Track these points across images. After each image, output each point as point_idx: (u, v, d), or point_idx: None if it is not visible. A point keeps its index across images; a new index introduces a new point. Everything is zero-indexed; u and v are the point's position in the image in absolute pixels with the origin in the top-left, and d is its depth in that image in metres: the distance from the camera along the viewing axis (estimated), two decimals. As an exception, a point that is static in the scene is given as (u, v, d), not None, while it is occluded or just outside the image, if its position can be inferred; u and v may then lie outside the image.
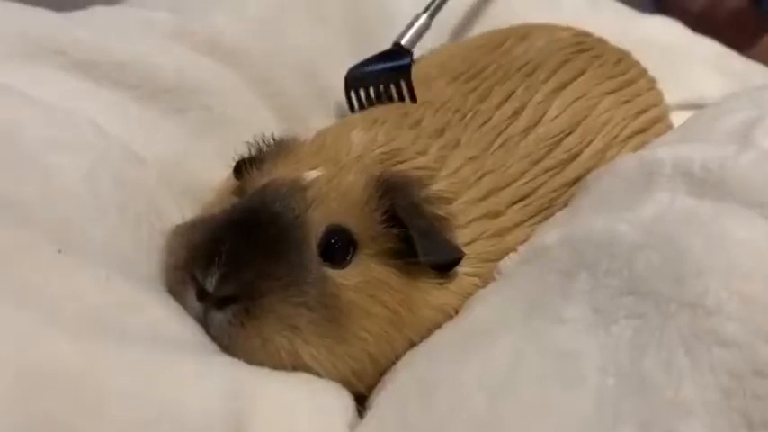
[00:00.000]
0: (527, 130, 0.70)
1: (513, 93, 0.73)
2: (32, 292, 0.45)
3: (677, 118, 0.84)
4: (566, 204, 0.69)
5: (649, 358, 0.47)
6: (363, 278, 0.57)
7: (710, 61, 1.09)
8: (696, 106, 0.92)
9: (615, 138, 0.75)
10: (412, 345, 0.59)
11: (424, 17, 0.84)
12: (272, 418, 0.49)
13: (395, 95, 0.77)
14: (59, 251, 0.48)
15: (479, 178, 0.65)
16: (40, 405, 0.39)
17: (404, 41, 0.81)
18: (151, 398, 0.43)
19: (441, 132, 0.68)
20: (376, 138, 0.66)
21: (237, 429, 0.46)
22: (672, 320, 0.48)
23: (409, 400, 0.53)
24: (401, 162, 0.64)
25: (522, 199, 0.67)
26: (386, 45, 0.92)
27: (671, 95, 0.89)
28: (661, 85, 0.87)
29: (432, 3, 0.85)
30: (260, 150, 0.65)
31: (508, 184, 0.67)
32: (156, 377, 0.44)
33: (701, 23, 1.20)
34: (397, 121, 0.69)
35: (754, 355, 0.44)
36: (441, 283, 0.60)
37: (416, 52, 0.83)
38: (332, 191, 0.59)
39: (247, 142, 0.66)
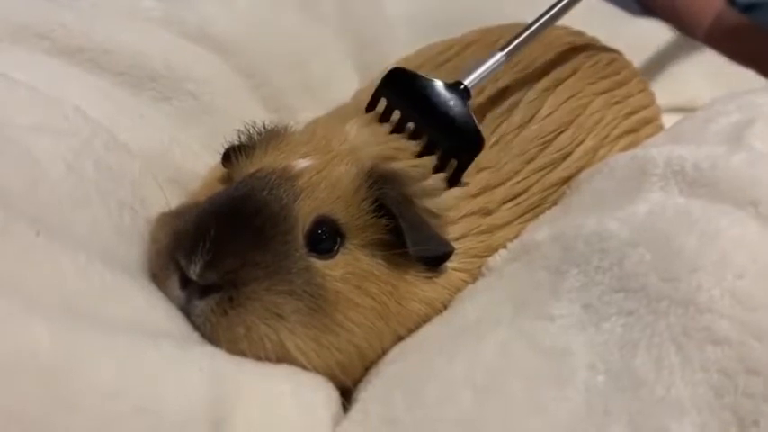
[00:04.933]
0: (521, 128, 0.69)
1: (507, 89, 0.72)
2: (10, 277, 0.44)
3: (667, 120, 0.84)
4: (556, 203, 0.69)
5: (640, 356, 0.47)
6: (350, 269, 0.56)
7: (700, 65, 1.09)
8: (686, 109, 0.92)
9: (606, 137, 0.75)
10: (399, 338, 0.58)
11: (499, 55, 0.70)
12: (254, 411, 0.47)
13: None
14: (37, 233, 0.47)
15: (476, 174, 0.65)
16: (14, 396, 0.38)
17: (467, 81, 0.67)
18: (128, 390, 0.42)
19: None
20: (374, 134, 0.65)
21: (218, 423, 0.45)
22: (663, 318, 0.47)
23: (396, 396, 0.52)
24: (398, 162, 0.63)
25: (514, 197, 0.66)
26: (380, 43, 0.91)
27: (661, 98, 0.89)
28: (651, 88, 0.87)
29: (510, 42, 0.71)
30: (250, 138, 0.64)
31: (502, 183, 0.66)
32: (135, 369, 0.43)
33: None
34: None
35: (747, 353, 0.43)
36: (429, 277, 0.60)
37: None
38: (321, 181, 0.58)
39: (237, 129, 0.65)
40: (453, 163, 0.64)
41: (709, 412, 0.42)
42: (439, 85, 0.67)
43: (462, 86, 0.67)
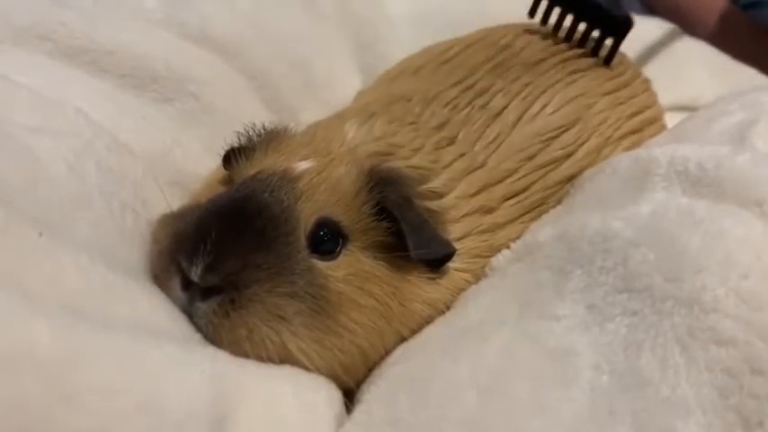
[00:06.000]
0: (516, 125, 0.69)
1: (514, 82, 0.72)
2: (12, 275, 0.44)
3: (670, 119, 0.84)
4: (559, 202, 0.68)
5: (645, 356, 0.46)
6: (352, 270, 0.56)
7: (703, 63, 1.09)
8: (688, 108, 0.92)
9: (610, 137, 0.74)
10: (402, 339, 0.58)
11: None
12: (256, 412, 0.47)
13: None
14: (40, 234, 0.47)
15: (472, 172, 0.64)
16: (13, 392, 0.38)
17: None
18: (130, 389, 0.42)
19: (439, 129, 0.67)
20: (371, 131, 0.65)
21: (220, 423, 0.45)
22: (668, 318, 0.47)
23: (400, 397, 0.51)
24: (396, 159, 0.63)
25: (515, 195, 0.66)
26: (382, 43, 0.91)
27: (664, 97, 0.88)
28: (654, 87, 0.87)
29: None
30: (250, 140, 0.64)
31: (501, 180, 0.66)
32: (136, 367, 0.43)
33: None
34: (395, 117, 0.68)
35: (752, 353, 0.43)
36: (432, 278, 0.59)
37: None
38: (322, 182, 0.58)
39: (237, 131, 0.65)
40: (608, 42, 0.80)
41: (714, 413, 0.42)
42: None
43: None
